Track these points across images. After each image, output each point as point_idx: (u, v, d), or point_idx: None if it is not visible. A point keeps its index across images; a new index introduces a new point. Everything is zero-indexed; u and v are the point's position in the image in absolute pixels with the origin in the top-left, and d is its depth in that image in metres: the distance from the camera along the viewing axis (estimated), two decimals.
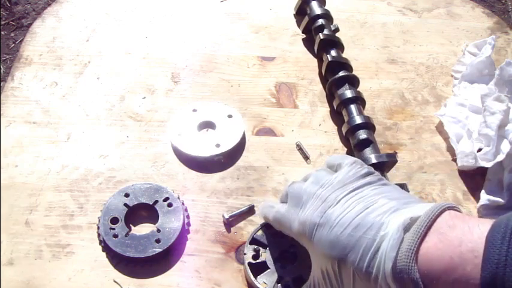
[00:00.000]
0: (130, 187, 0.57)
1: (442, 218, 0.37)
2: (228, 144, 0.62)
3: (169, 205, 0.56)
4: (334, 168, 0.48)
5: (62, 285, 0.52)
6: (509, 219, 0.34)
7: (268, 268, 0.51)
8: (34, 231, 0.55)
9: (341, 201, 0.42)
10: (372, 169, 0.46)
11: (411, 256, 0.36)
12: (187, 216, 0.57)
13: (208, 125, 0.65)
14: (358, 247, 0.39)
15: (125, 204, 0.56)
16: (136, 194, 0.57)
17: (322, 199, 0.43)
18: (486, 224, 0.35)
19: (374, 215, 0.40)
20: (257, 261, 0.52)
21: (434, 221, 0.37)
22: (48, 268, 0.53)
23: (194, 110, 0.65)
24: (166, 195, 0.57)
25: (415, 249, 0.36)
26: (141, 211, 0.57)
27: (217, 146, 0.62)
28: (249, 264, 0.52)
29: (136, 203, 0.56)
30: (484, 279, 0.32)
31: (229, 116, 0.65)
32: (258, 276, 0.51)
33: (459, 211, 0.39)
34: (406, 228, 0.37)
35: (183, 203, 0.57)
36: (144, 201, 0.56)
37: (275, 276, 0.51)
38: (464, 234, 0.35)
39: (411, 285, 0.36)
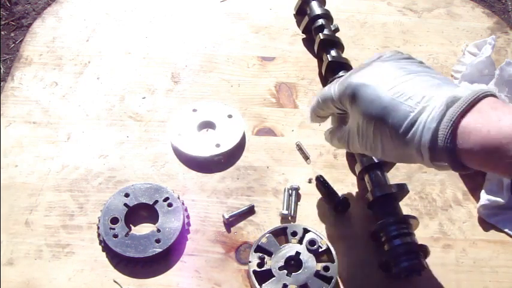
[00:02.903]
0: (130, 187, 0.57)
1: (485, 101, 0.38)
2: (228, 144, 0.62)
3: (169, 205, 0.56)
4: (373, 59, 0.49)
5: (62, 285, 0.52)
6: None
7: (273, 276, 0.51)
8: (34, 231, 0.55)
9: (385, 66, 0.43)
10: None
11: (450, 126, 0.37)
12: (187, 216, 0.57)
13: (208, 125, 0.65)
14: (398, 111, 0.40)
15: (125, 204, 0.56)
16: (136, 194, 0.57)
17: (367, 65, 0.45)
18: None
19: (417, 86, 0.41)
20: (262, 269, 0.52)
21: (477, 102, 0.38)
22: (48, 268, 0.53)
23: (194, 110, 0.65)
24: (166, 195, 0.57)
25: (455, 121, 0.37)
26: (141, 211, 0.57)
27: (217, 146, 0.62)
28: (254, 272, 0.52)
29: (136, 203, 0.56)
30: None
31: (229, 116, 0.65)
32: (263, 284, 0.51)
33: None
34: (449, 105, 0.38)
35: (183, 203, 0.57)
36: (144, 201, 0.56)
37: (280, 284, 0.50)
38: (504, 113, 0.36)
39: (446, 156, 0.38)
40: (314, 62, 0.74)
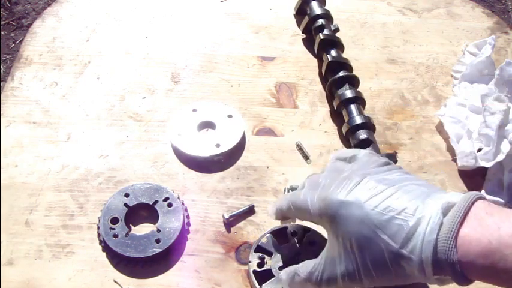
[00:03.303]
0: (131, 187, 0.57)
1: (478, 205, 0.37)
2: (228, 144, 0.62)
3: (170, 205, 0.56)
4: (346, 160, 0.46)
5: (62, 285, 0.52)
6: None
7: (273, 276, 0.51)
8: (34, 231, 0.55)
9: (366, 181, 0.40)
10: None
11: (451, 238, 0.35)
12: (187, 216, 0.57)
13: (208, 125, 0.65)
14: (392, 227, 0.37)
15: (125, 204, 0.56)
16: (136, 194, 0.56)
17: (346, 179, 0.41)
18: None
19: (406, 198, 0.38)
20: (262, 269, 0.52)
21: (470, 207, 0.37)
22: (48, 268, 0.53)
23: (194, 110, 0.65)
24: (166, 195, 0.57)
25: (455, 231, 0.35)
26: (141, 211, 0.57)
27: (217, 146, 0.62)
28: (254, 272, 0.52)
29: (136, 203, 0.56)
30: None
31: (229, 116, 0.65)
32: (263, 284, 0.51)
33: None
34: (444, 213, 0.37)
35: (183, 203, 0.57)
36: (144, 201, 0.56)
37: (280, 284, 0.50)
38: (502, 220, 0.35)
39: (449, 269, 0.36)
40: (314, 62, 0.74)
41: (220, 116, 0.65)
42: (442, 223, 0.36)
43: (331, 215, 0.40)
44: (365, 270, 0.39)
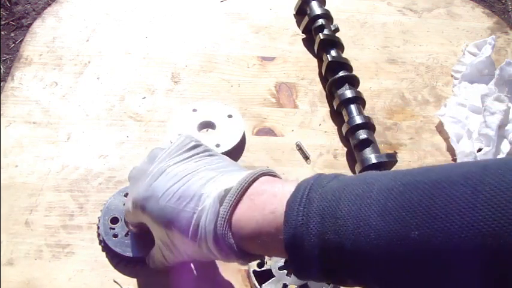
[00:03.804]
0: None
1: (254, 185, 0.39)
2: (228, 144, 0.62)
3: None
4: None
5: (62, 285, 0.52)
6: (308, 182, 0.36)
7: (273, 276, 0.51)
8: (34, 231, 0.55)
9: (165, 172, 0.43)
10: (201, 142, 0.46)
11: (224, 225, 0.38)
12: None
13: (208, 125, 0.65)
14: (181, 219, 0.40)
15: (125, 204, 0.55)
16: None
17: (150, 173, 0.44)
18: (290, 186, 0.37)
19: (194, 186, 0.41)
20: (262, 269, 0.52)
21: (247, 188, 0.39)
22: (48, 268, 0.53)
23: (194, 110, 0.65)
24: None
25: (227, 217, 0.38)
26: None
27: (217, 146, 0.62)
28: (254, 272, 0.51)
29: None
30: (287, 240, 0.34)
31: (229, 116, 0.65)
32: (263, 284, 0.51)
33: (275, 175, 0.42)
34: (221, 201, 0.39)
35: None
36: None
37: (280, 284, 0.50)
38: (268, 198, 0.38)
39: (229, 251, 0.39)
40: (314, 62, 0.74)
41: (220, 116, 0.65)
42: (218, 212, 0.39)
43: (139, 212, 0.44)
44: (178, 253, 0.44)
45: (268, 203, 0.37)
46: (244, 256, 0.40)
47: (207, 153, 0.45)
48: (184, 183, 0.42)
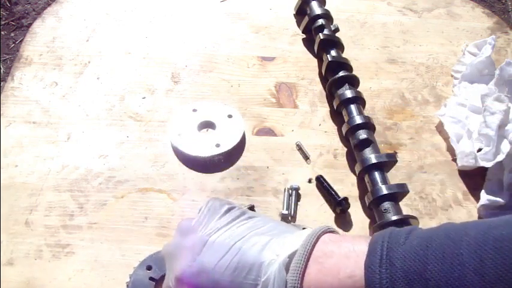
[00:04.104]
0: (149, 258, 0.52)
1: (319, 247, 0.37)
2: (228, 144, 0.62)
3: None
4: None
5: (62, 285, 0.52)
6: (383, 241, 0.34)
7: None
8: (34, 231, 0.55)
9: (208, 243, 0.39)
10: (232, 202, 0.43)
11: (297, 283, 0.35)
12: None
13: (208, 125, 0.65)
14: None
15: (151, 278, 0.50)
16: (159, 263, 0.51)
17: (189, 247, 0.40)
18: (361, 246, 0.35)
19: (250, 255, 0.38)
20: None
21: (311, 252, 0.37)
22: (48, 268, 0.53)
23: (194, 110, 0.65)
24: None
25: (297, 286, 0.35)
26: None
27: (217, 146, 0.62)
28: None
29: (161, 274, 0.51)
30: None
31: (229, 116, 0.65)
32: None
33: (335, 232, 0.39)
34: (287, 268, 0.36)
35: None
36: None
37: None
38: (340, 261, 0.35)
39: None
40: (314, 62, 0.74)
41: (220, 116, 0.65)
42: (286, 281, 0.36)
43: (185, 277, 0.39)
44: None
45: (342, 267, 0.35)
46: None
47: (246, 216, 0.42)
48: (236, 252, 0.38)
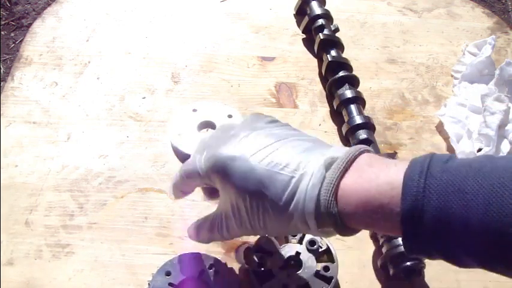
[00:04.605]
0: (169, 263, 0.51)
1: (361, 158, 0.37)
2: None
3: (217, 271, 0.50)
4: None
5: (62, 285, 0.52)
6: (425, 158, 0.34)
7: (273, 276, 0.51)
8: (34, 231, 0.55)
9: (253, 136, 0.40)
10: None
11: (331, 190, 0.36)
12: (237, 277, 0.52)
13: (208, 125, 0.65)
14: (276, 182, 0.37)
15: (170, 284, 0.49)
16: (178, 268, 0.50)
17: (232, 136, 0.41)
18: (403, 163, 0.35)
19: (289, 152, 0.38)
20: (262, 269, 0.52)
21: (353, 160, 0.37)
22: (48, 268, 0.53)
23: (194, 110, 0.65)
24: (210, 262, 0.51)
25: (335, 183, 0.36)
26: (189, 286, 0.51)
27: None
28: (254, 272, 0.51)
29: (181, 279, 0.50)
30: (404, 211, 0.32)
31: (229, 116, 0.65)
32: (263, 285, 0.51)
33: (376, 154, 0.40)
34: (327, 167, 0.37)
35: (226, 264, 0.52)
36: (188, 275, 0.50)
37: (280, 285, 0.50)
38: (381, 170, 0.35)
39: (330, 222, 0.36)
40: (314, 62, 0.74)
41: (221, 116, 0.65)
42: (324, 177, 0.36)
43: (218, 171, 0.40)
44: (254, 223, 0.40)
45: (381, 174, 0.35)
46: (344, 229, 0.37)
47: (291, 127, 0.43)
48: (277, 148, 0.39)
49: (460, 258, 0.33)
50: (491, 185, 0.30)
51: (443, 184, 0.32)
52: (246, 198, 0.39)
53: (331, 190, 0.36)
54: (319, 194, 0.36)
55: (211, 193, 0.49)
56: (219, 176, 0.40)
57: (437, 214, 0.31)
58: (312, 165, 0.37)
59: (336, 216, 0.36)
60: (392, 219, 0.33)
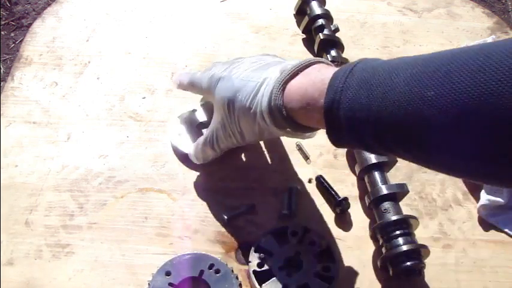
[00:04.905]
0: (169, 263, 0.52)
1: (315, 66, 0.45)
2: None
3: (217, 271, 0.51)
4: None
5: (62, 285, 0.52)
6: (357, 61, 0.41)
7: (273, 276, 0.51)
8: (34, 231, 0.55)
9: (245, 62, 0.51)
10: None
11: (279, 88, 0.44)
12: (236, 277, 0.52)
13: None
14: (246, 87, 0.47)
15: (170, 284, 0.50)
16: (178, 268, 0.51)
17: (229, 63, 0.52)
18: (345, 66, 0.41)
19: (264, 70, 0.48)
20: (262, 269, 0.52)
21: (306, 67, 0.45)
22: (48, 268, 0.53)
23: (194, 110, 0.65)
24: (211, 262, 0.52)
25: (283, 81, 0.44)
26: (189, 286, 0.51)
27: None
28: (254, 272, 0.51)
29: (181, 279, 0.50)
30: (326, 103, 0.39)
31: None
32: (263, 285, 0.51)
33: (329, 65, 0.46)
34: (282, 73, 0.45)
35: (226, 264, 0.53)
36: (188, 274, 0.51)
37: (280, 285, 0.50)
38: (322, 73, 0.42)
39: (280, 116, 0.45)
40: None
41: None
42: (276, 79, 0.45)
43: (212, 87, 0.52)
44: (234, 127, 0.50)
45: (319, 75, 0.42)
46: (291, 123, 0.45)
47: (278, 58, 0.52)
48: (256, 68, 0.49)
49: (373, 148, 0.39)
50: (390, 77, 0.36)
51: (359, 80, 0.38)
52: (225, 104, 0.49)
53: (279, 87, 0.44)
54: (271, 92, 0.45)
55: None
56: (212, 92, 0.51)
57: (349, 105, 0.38)
58: (272, 72, 0.46)
59: (280, 108, 0.44)
60: (320, 111, 0.40)
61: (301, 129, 0.46)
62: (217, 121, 0.52)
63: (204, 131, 0.59)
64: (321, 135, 0.67)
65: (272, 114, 0.45)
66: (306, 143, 0.64)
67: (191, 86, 0.57)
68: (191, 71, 0.71)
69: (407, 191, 0.57)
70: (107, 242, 0.55)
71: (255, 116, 0.47)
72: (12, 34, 1.61)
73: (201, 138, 0.57)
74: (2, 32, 1.61)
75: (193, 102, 0.67)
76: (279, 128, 0.46)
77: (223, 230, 0.57)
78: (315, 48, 0.72)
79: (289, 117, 0.44)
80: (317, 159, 0.63)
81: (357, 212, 0.59)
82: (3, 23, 1.63)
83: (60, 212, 0.57)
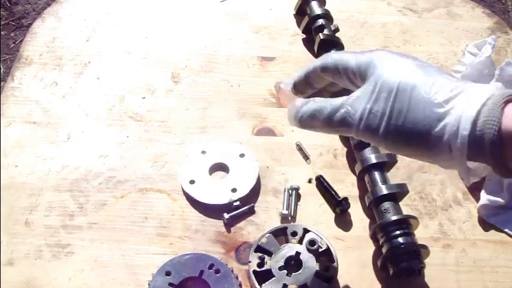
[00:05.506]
0: (169, 263, 0.51)
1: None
2: (244, 188, 0.59)
3: (217, 271, 0.51)
4: None
5: (62, 285, 0.52)
6: None
7: (273, 276, 0.51)
8: (34, 231, 0.55)
9: (402, 56, 0.39)
10: None
11: (497, 109, 0.32)
12: (236, 277, 0.52)
13: (220, 167, 0.61)
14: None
15: (170, 284, 0.50)
16: (178, 268, 0.51)
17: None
18: None
19: (445, 78, 0.37)
20: (262, 269, 0.52)
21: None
22: (48, 268, 0.53)
23: (203, 152, 0.62)
24: (211, 262, 0.51)
25: (500, 104, 0.32)
26: (189, 286, 0.51)
27: (234, 191, 0.58)
28: (254, 272, 0.51)
29: (181, 279, 0.50)
30: None
31: (241, 155, 0.62)
32: (263, 284, 0.51)
33: None
34: (489, 96, 0.34)
35: (226, 264, 0.53)
36: (188, 274, 0.51)
37: (280, 284, 0.50)
38: None
39: (488, 147, 0.32)
40: None
41: (232, 156, 0.61)
42: (485, 103, 0.33)
43: (373, 63, 0.38)
44: (390, 120, 0.36)
45: None
46: (498, 160, 0.33)
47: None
48: (429, 72, 0.37)
49: None
50: None
51: None
52: (395, 90, 0.36)
53: (497, 108, 0.32)
54: (479, 111, 0.33)
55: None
56: (370, 67, 0.38)
57: None
58: (473, 87, 0.35)
59: (495, 142, 0.32)
60: None
61: (509, 172, 0.34)
62: (362, 98, 0.38)
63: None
64: (321, 135, 0.67)
65: (473, 144, 0.33)
66: (306, 143, 0.64)
67: (334, 66, 0.41)
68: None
69: (407, 191, 0.57)
70: (107, 242, 0.55)
71: (435, 124, 0.34)
72: (12, 34, 1.61)
73: (310, 101, 0.44)
74: (2, 32, 1.61)
75: (193, 102, 0.67)
76: (466, 166, 0.34)
77: (223, 230, 0.57)
78: (315, 48, 0.72)
79: (501, 151, 0.32)
80: (317, 159, 0.63)
81: (357, 212, 0.59)
82: (3, 23, 1.63)
83: (60, 212, 0.57)
